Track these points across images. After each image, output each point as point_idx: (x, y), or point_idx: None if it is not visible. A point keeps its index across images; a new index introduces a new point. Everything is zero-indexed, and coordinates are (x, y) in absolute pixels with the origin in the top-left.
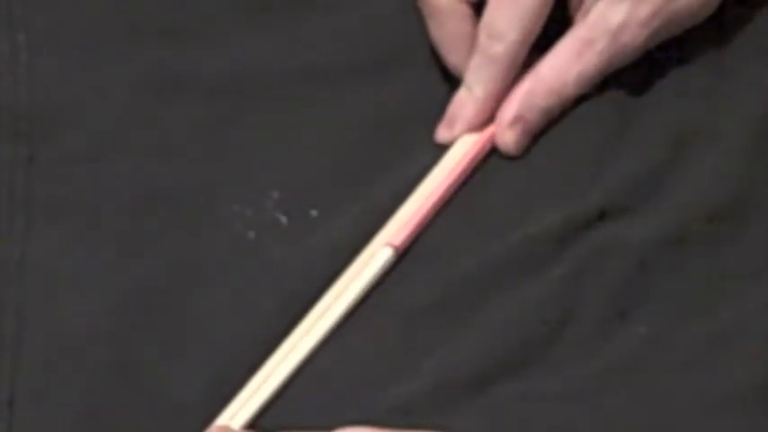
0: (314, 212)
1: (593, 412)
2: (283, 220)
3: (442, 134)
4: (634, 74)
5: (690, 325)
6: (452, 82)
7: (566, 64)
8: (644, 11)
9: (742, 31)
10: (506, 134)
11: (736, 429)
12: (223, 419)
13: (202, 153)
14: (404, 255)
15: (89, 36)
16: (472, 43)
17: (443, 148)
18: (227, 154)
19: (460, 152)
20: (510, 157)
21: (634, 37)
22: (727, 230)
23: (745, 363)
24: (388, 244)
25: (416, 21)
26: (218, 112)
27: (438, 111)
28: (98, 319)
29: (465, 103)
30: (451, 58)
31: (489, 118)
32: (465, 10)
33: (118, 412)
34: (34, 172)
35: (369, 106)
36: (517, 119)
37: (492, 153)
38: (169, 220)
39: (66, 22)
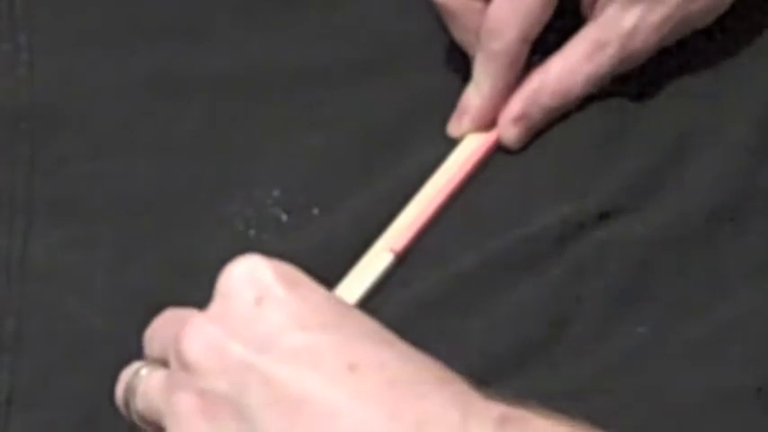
0: (315, 210)
1: (593, 412)
2: (284, 218)
3: (452, 128)
4: (634, 74)
5: (690, 325)
6: (453, 81)
7: (575, 65)
8: (657, 16)
9: (742, 31)
10: (509, 130)
11: (736, 429)
12: None
13: (203, 152)
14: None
15: (90, 36)
16: None
17: (444, 147)
18: (227, 153)
19: (463, 156)
20: (510, 157)
21: (645, 40)
22: (727, 230)
23: (744, 362)
24: (389, 249)
25: (417, 20)
26: (219, 112)
27: (438, 110)
28: (98, 319)
29: (472, 98)
30: (472, 54)
31: (497, 113)
32: (479, 6)
33: (118, 412)
34: (34, 172)
35: (369, 106)
36: (522, 116)
37: (492, 153)
38: (169, 219)
39: (67, 23)
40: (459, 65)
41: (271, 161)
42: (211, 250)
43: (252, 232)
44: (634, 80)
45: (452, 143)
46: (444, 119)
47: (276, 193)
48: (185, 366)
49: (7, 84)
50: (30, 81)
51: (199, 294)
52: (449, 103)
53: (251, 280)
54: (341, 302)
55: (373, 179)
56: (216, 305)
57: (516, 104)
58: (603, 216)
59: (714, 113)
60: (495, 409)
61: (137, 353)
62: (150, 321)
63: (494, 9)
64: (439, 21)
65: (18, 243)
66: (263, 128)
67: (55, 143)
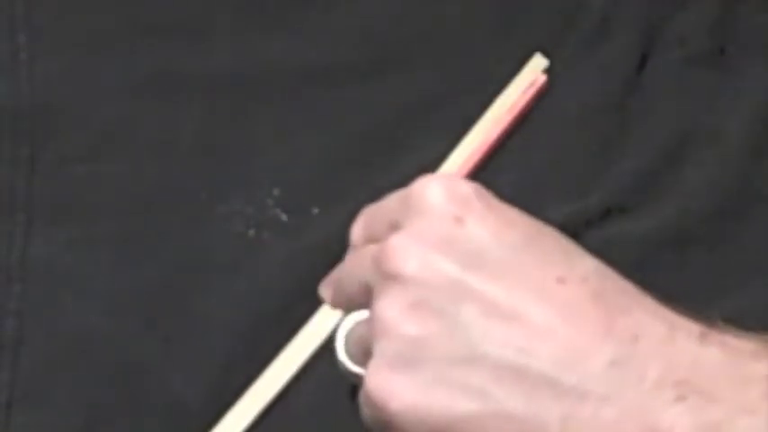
0: (315, 210)
1: None
2: (284, 217)
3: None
4: (634, 74)
5: None
6: (453, 81)
7: None
8: None
9: (743, 31)
10: None
11: None
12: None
13: (203, 152)
14: None
15: (89, 36)
16: None
17: (444, 147)
18: (227, 153)
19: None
20: (510, 157)
21: None
22: (728, 229)
23: None
24: None
25: (416, 21)
26: (219, 112)
27: (438, 110)
28: (98, 319)
29: None
30: None
31: None
32: None
33: (118, 413)
34: (34, 172)
35: (368, 106)
36: None
37: (491, 153)
38: (169, 219)
39: (66, 22)
40: (459, 65)
41: (271, 161)
42: (211, 250)
43: (252, 232)
44: (633, 80)
45: (452, 143)
46: (444, 119)
47: (276, 193)
48: (394, 279)
49: (7, 84)
50: (30, 81)
51: (199, 294)
52: (449, 104)
53: (448, 198)
54: (531, 217)
55: (373, 179)
56: (414, 223)
57: None
58: (604, 215)
59: (714, 113)
60: (695, 324)
61: (137, 353)
62: (150, 321)
63: None
64: (439, 21)
65: (18, 243)
66: (263, 128)
67: (55, 143)
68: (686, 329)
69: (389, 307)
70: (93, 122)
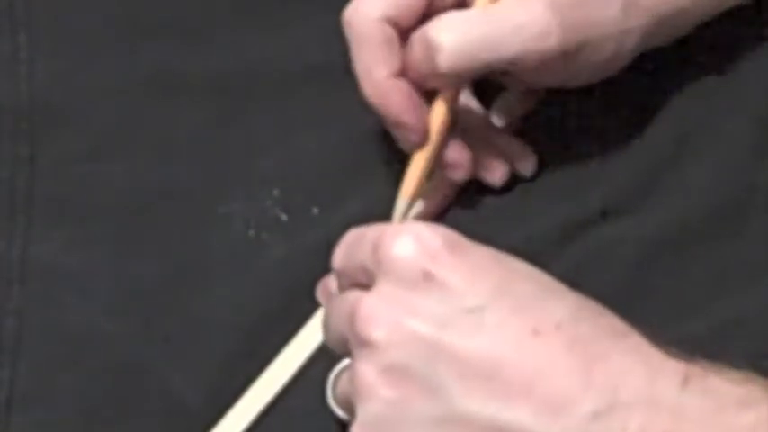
0: (314, 210)
1: None
2: (284, 217)
3: None
4: (634, 74)
5: (690, 324)
6: None
7: None
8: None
9: (743, 31)
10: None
11: None
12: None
13: (202, 152)
14: None
15: (89, 36)
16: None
17: None
18: (227, 153)
19: None
20: None
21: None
22: (728, 230)
23: (745, 362)
24: None
25: None
26: (219, 112)
27: None
28: (98, 319)
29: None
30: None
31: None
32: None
33: (118, 413)
34: (34, 172)
35: (368, 106)
36: None
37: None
38: (169, 219)
39: (66, 22)
40: None
41: (271, 161)
42: (211, 250)
43: (252, 232)
44: (633, 80)
45: None
46: None
47: (276, 193)
48: (366, 345)
49: (7, 84)
50: (30, 81)
51: (199, 294)
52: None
53: (417, 253)
54: (504, 257)
55: (373, 178)
56: (382, 283)
57: None
58: (604, 216)
59: (714, 113)
60: (677, 365)
61: (137, 353)
62: (150, 321)
63: None
64: None
65: (18, 243)
66: (262, 128)
67: (55, 143)
68: (668, 373)
69: (365, 371)
70: (93, 122)
